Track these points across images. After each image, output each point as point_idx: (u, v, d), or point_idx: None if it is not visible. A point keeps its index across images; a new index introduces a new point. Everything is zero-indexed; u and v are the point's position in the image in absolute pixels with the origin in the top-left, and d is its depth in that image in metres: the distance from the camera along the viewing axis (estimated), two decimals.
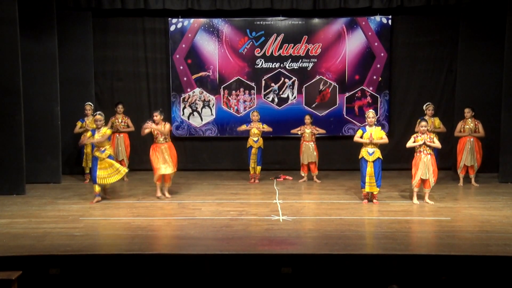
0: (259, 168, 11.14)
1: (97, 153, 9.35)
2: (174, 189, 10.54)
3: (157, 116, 9.60)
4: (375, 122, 9.21)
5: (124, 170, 9.44)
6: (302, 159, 11.12)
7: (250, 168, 11.15)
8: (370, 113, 9.23)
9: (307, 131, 11.04)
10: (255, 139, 11.02)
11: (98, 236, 7.81)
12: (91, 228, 8.12)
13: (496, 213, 8.59)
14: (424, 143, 9.07)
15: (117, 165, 9.41)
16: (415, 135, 9.23)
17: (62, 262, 6.63)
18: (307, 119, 11.09)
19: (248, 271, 6.65)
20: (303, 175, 11.24)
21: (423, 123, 9.20)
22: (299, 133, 11.10)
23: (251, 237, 7.47)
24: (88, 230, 7.98)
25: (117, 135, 11.40)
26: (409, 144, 9.20)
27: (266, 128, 11.08)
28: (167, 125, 9.67)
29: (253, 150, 11.02)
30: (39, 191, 10.26)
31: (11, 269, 6.20)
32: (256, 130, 10.99)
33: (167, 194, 9.76)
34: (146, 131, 9.57)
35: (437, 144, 9.16)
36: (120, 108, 11.43)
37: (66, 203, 9.40)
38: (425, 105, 10.92)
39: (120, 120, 11.42)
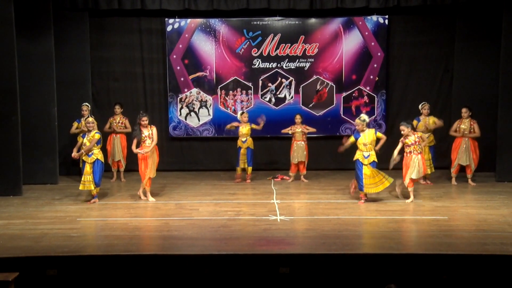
0: (250, 168, 11.13)
1: (84, 157, 9.34)
2: (171, 190, 10.54)
3: (146, 121, 9.55)
4: (365, 128, 9.20)
5: (90, 187, 9.28)
6: (292, 158, 11.13)
7: (238, 168, 11.13)
8: (357, 120, 9.30)
9: (298, 131, 11.05)
10: (244, 139, 11.02)
11: (96, 237, 7.81)
12: (88, 229, 8.12)
13: (493, 212, 8.61)
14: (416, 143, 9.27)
15: (90, 177, 9.29)
16: (401, 139, 9.34)
17: (60, 263, 6.61)
18: (298, 118, 11.10)
19: (246, 271, 6.65)
20: (291, 174, 11.24)
21: (401, 127, 9.34)
22: (290, 133, 11.12)
23: (249, 237, 7.47)
24: (85, 231, 7.98)
25: (114, 136, 11.39)
26: (398, 149, 9.30)
27: (254, 126, 11.07)
28: (154, 129, 9.58)
29: (242, 151, 11.02)
30: (36, 192, 10.24)
31: (8, 270, 6.18)
32: (245, 130, 10.98)
33: (150, 197, 9.68)
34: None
35: (425, 141, 9.67)
36: (117, 108, 11.42)
37: (63, 204, 9.39)
38: (420, 105, 10.93)
39: (117, 121, 11.41)
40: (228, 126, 11.29)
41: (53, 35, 10.82)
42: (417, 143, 9.26)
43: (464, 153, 10.60)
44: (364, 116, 9.28)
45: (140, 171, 9.64)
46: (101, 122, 11.26)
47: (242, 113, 11.21)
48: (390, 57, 12.32)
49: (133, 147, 9.61)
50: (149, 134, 9.53)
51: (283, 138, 11.92)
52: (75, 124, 11.08)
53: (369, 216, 8.54)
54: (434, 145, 10.96)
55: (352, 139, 9.23)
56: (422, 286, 6.54)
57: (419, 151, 9.29)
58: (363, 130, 9.18)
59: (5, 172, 9.93)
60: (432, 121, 10.85)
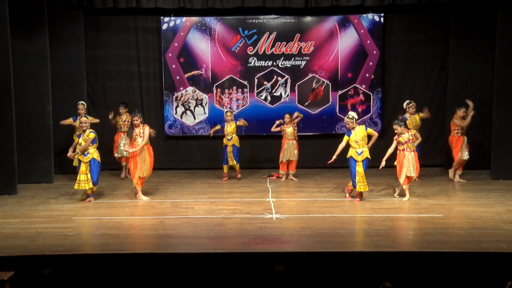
0: (238, 165, 11.19)
1: (79, 157, 9.31)
2: (166, 188, 10.53)
3: (138, 120, 9.52)
4: (355, 125, 9.23)
5: (85, 186, 9.26)
6: (281, 157, 11.11)
7: (225, 166, 11.17)
8: (346, 119, 9.36)
9: (288, 130, 11.03)
10: (229, 137, 11.05)
11: (91, 236, 7.81)
12: (83, 227, 8.12)
13: (488, 210, 8.64)
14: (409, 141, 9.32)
15: (88, 176, 9.26)
16: (395, 137, 9.35)
17: (55, 262, 6.61)
18: (287, 117, 11.09)
19: (241, 269, 6.66)
20: (282, 173, 11.24)
21: (394, 126, 9.38)
22: (280, 130, 11.13)
23: (245, 236, 7.48)
24: (81, 229, 7.97)
25: (122, 134, 11.36)
26: (392, 148, 9.37)
27: (240, 123, 11.14)
28: (146, 129, 9.52)
29: (229, 149, 11.05)
30: (31, 191, 10.21)
31: (3, 269, 6.18)
32: (230, 129, 11.02)
33: (142, 196, 9.61)
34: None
35: (419, 139, 9.75)
36: (121, 109, 11.34)
37: (58, 203, 9.37)
38: (406, 103, 10.88)
39: (124, 119, 11.36)
40: (211, 131, 11.40)
41: (47, 34, 10.78)
42: (410, 141, 9.31)
43: (464, 149, 10.69)
44: (352, 114, 9.34)
45: (130, 170, 9.66)
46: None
47: (227, 111, 11.22)
48: (386, 55, 12.34)
49: (126, 145, 9.61)
50: (140, 133, 9.49)
51: (279, 136, 11.91)
52: (70, 120, 10.94)
53: (365, 214, 8.56)
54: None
55: (346, 138, 9.27)
56: (417, 284, 6.55)
57: (412, 149, 9.34)
58: (353, 128, 9.22)
59: (0, 171, 9.90)
60: (419, 118, 10.86)
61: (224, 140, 11.12)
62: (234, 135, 11.08)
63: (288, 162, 11.14)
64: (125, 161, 11.38)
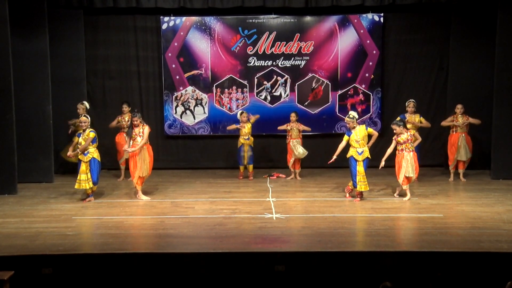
0: (251, 166, 11.20)
1: (80, 156, 9.31)
2: (166, 188, 10.53)
3: (137, 121, 9.52)
4: (355, 124, 9.24)
5: (86, 186, 9.23)
6: (293, 155, 11.11)
7: (242, 167, 11.23)
8: (346, 118, 9.38)
9: (294, 128, 11.06)
10: (246, 137, 11.10)
11: (91, 235, 7.81)
12: (83, 227, 8.12)
13: (488, 210, 8.65)
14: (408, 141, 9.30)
15: (89, 175, 9.25)
16: (394, 137, 9.35)
17: (55, 262, 6.61)
18: (293, 116, 11.11)
19: (241, 269, 6.66)
20: (293, 170, 11.27)
21: (393, 126, 9.40)
22: (288, 128, 11.13)
23: (245, 235, 7.48)
24: (81, 229, 7.98)
25: (125, 134, 11.31)
26: (391, 147, 9.39)
27: (252, 120, 11.14)
28: (146, 128, 9.50)
29: (245, 147, 11.09)
30: (31, 191, 10.21)
31: (3, 269, 6.18)
32: (247, 129, 11.06)
33: (142, 196, 9.61)
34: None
35: (419, 139, 9.59)
36: (125, 108, 11.27)
37: (59, 203, 9.37)
38: (406, 102, 10.94)
39: (127, 119, 11.30)
40: (230, 127, 11.37)
41: (47, 34, 10.78)
42: (409, 141, 9.31)
43: (463, 149, 10.66)
44: (352, 113, 9.35)
45: (130, 170, 9.65)
46: (97, 120, 11.26)
47: (242, 113, 11.21)
48: (385, 55, 12.34)
49: (126, 145, 9.62)
50: (139, 132, 9.48)
51: (279, 136, 11.93)
52: (76, 139, 10.60)
53: (365, 214, 8.56)
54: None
55: (346, 138, 9.28)
56: (417, 284, 6.56)
57: (411, 149, 9.34)
58: (354, 127, 9.23)
59: (0, 171, 9.90)
60: (418, 120, 10.85)
61: (241, 140, 11.11)
62: (250, 135, 11.12)
63: (294, 161, 11.18)
64: (125, 164, 11.27)
